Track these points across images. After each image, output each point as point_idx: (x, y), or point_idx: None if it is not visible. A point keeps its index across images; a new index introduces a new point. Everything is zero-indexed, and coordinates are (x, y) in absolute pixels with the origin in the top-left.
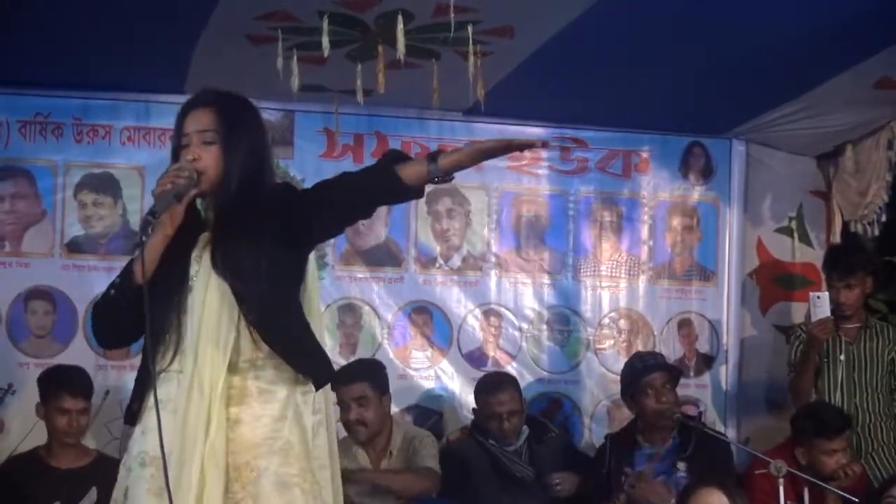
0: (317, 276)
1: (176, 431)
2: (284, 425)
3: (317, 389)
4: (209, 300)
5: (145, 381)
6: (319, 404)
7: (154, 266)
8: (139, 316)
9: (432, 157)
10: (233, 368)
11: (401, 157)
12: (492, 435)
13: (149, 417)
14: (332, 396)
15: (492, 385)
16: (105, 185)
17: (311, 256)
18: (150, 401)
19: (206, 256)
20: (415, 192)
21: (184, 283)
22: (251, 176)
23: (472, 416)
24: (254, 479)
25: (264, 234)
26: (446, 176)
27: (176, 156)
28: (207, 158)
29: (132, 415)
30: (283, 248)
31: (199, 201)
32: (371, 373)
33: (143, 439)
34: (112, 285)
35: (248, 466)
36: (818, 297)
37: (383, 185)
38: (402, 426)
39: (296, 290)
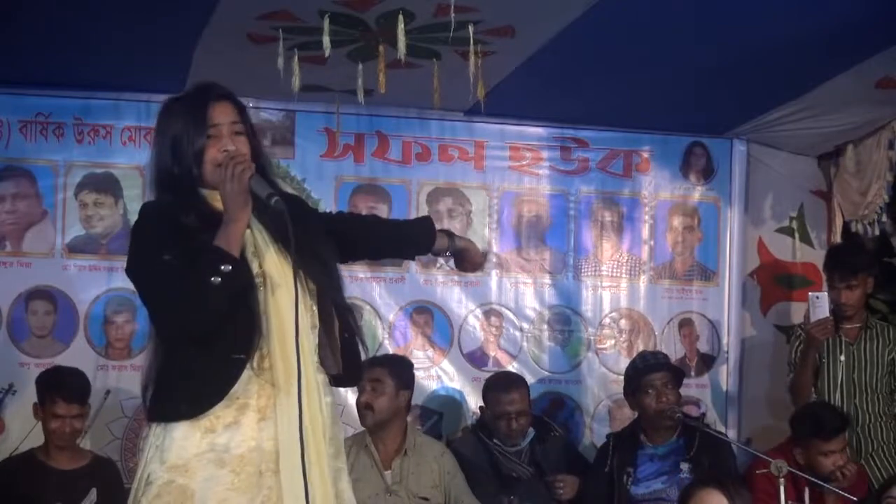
0: None
1: (289, 436)
2: (338, 418)
3: (347, 386)
4: (301, 309)
5: (213, 379)
6: None
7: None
8: (224, 307)
9: (450, 233)
10: None
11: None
12: (497, 434)
13: (219, 415)
14: None
15: (502, 384)
16: (106, 185)
17: None
18: (225, 400)
19: (275, 264)
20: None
21: (251, 280)
22: (270, 167)
23: (472, 416)
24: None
25: (323, 241)
26: (453, 255)
27: (182, 149)
28: (242, 148)
29: (183, 413)
30: (335, 254)
31: (207, 193)
32: (394, 362)
33: (214, 438)
34: (214, 272)
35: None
36: (817, 298)
37: (425, 243)
38: (417, 432)
39: None
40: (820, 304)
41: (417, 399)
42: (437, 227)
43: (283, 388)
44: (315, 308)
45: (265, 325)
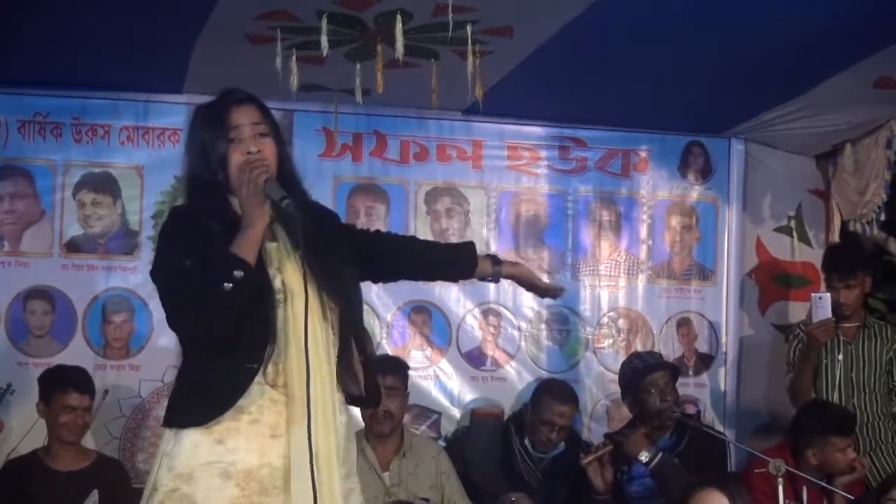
0: None
1: (299, 453)
2: (353, 438)
3: (370, 407)
4: (317, 324)
5: (223, 388)
6: None
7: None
8: (234, 314)
9: (496, 259)
10: None
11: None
12: (532, 437)
13: (231, 428)
14: None
15: (560, 395)
16: (104, 184)
17: None
18: (233, 411)
19: (294, 274)
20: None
21: (267, 289)
22: (298, 174)
23: (470, 416)
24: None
25: (347, 261)
26: (495, 280)
27: (205, 152)
28: (268, 151)
29: (190, 421)
30: (358, 275)
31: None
32: (403, 368)
33: (223, 450)
34: (225, 278)
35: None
36: (820, 298)
37: (466, 268)
38: (412, 433)
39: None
40: (822, 305)
41: (416, 398)
42: (485, 252)
43: (296, 404)
44: (336, 326)
45: (282, 339)
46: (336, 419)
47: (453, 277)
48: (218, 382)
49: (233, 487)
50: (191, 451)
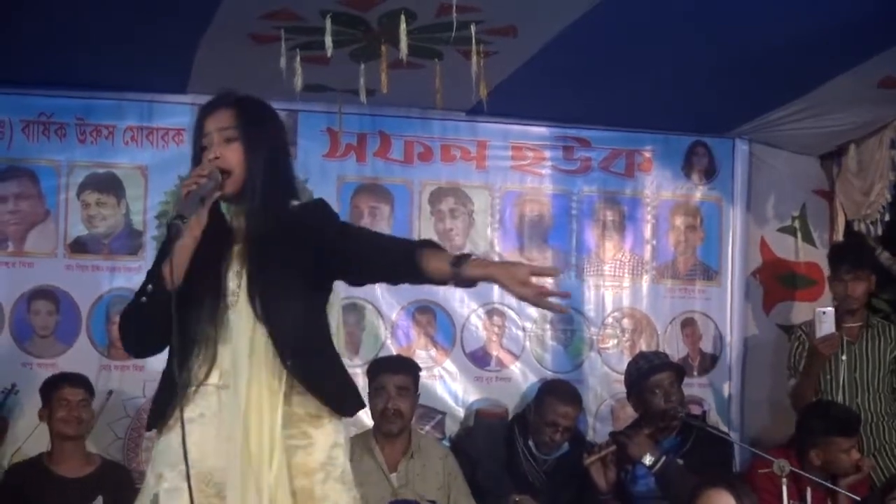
0: (338, 292)
1: (234, 456)
2: (340, 452)
3: (349, 416)
4: (259, 325)
5: (176, 389)
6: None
7: (183, 272)
8: (169, 324)
9: (458, 260)
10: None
11: (432, 244)
12: (536, 438)
13: (189, 429)
14: None
15: (564, 396)
16: (108, 184)
17: None
18: (187, 413)
19: (245, 279)
20: (438, 282)
21: (217, 295)
22: (274, 179)
23: (475, 417)
24: None
25: (297, 266)
26: (468, 285)
27: (197, 160)
28: (231, 156)
29: (159, 423)
30: (315, 280)
31: (224, 206)
32: (414, 368)
33: (181, 451)
34: (141, 292)
35: (306, 492)
36: (823, 313)
37: (405, 270)
38: (420, 433)
39: (324, 316)
40: (826, 320)
41: (421, 398)
42: (453, 250)
43: (235, 410)
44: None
45: (223, 345)
46: (271, 426)
47: (395, 280)
48: (167, 386)
49: (192, 488)
50: (161, 455)
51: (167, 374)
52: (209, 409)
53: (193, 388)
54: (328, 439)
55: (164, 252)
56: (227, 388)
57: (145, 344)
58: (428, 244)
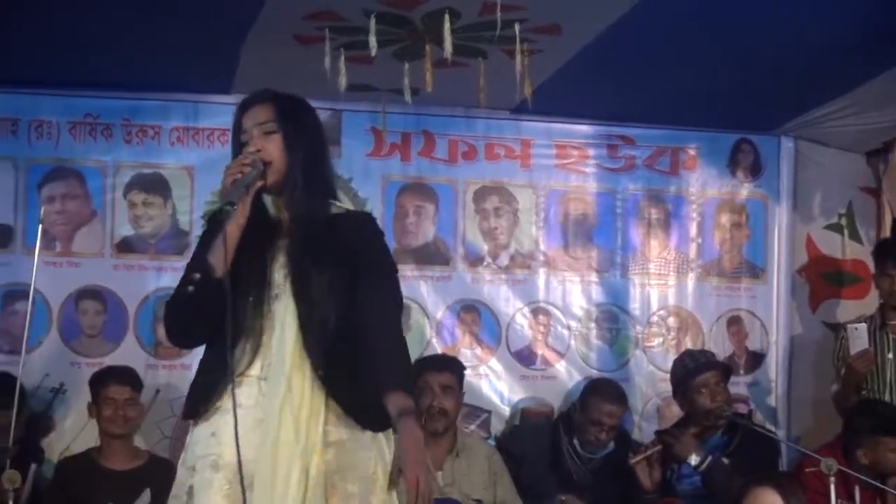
0: None
1: (266, 446)
2: (371, 457)
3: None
4: (294, 323)
5: (216, 382)
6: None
7: (231, 261)
8: (216, 313)
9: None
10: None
11: (403, 385)
12: (581, 436)
13: (222, 420)
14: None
15: (610, 395)
16: (154, 185)
17: None
18: (224, 403)
19: (291, 272)
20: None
21: (262, 286)
22: (315, 171)
23: (520, 415)
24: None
25: (338, 266)
26: None
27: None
28: (271, 149)
29: (195, 413)
30: (352, 287)
31: (267, 199)
32: (459, 367)
33: (214, 441)
34: (188, 281)
35: (336, 489)
36: (856, 329)
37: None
38: (465, 432)
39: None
40: (859, 336)
41: (466, 397)
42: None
43: (273, 401)
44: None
45: (267, 336)
46: (309, 419)
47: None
48: (204, 377)
49: (220, 479)
50: (193, 445)
51: (205, 364)
52: (249, 399)
53: (236, 380)
54: (366, 443)
55: (205, 243)
56: (267, 379)
57: (192, 334)
58: (400, 384)
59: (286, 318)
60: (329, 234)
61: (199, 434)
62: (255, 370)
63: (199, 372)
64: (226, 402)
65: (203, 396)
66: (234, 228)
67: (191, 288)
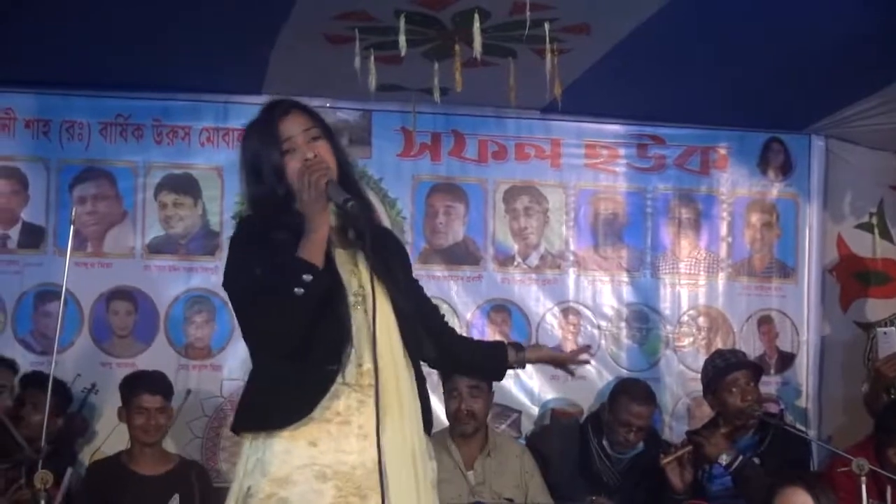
0: None
1: (372, 456)
2: (433, 467)
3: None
4: (391, 325)
5: (312, 387)
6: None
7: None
8: (319, 315)
9: (518, 347)
10: None
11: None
12: (610, 437)
13: (321, 430)
14: None
15: (639, 395)
16: (185, 185)
17: None
18: (317, 413)
19: (370, 278)
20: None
21: (341, 292)
22: (354, 177)
23: (550, 416)
24: None
25: (405, 276)
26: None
27: (273, 169)
28: (324, 152)
29: (278, 425)
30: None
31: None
32: None
33: (317, 452)
34: (292, 283)
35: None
36: (885, 333)
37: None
38: (497, 432)
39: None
40: (888, 340)
41: (497, 397)
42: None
43: (386, 405)
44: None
45: (362, 340)
46: (412, 424)
47: (482, 378)
48: (299, 386)
49: (330, 489)
50: (284, 455)
51: (275, 373)
52: (339, 408)
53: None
54: (431, 445)
55: (240, 247)
56: (363, 387)
57: (295, 340)
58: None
59: (378, 323)
60: (383, 240)
61: (287, 445)
62: (350, 377)
63: (272, 385)
64: (320, 413)
65: (290, 408)
66: (326, 229)
67: (299, 290)
